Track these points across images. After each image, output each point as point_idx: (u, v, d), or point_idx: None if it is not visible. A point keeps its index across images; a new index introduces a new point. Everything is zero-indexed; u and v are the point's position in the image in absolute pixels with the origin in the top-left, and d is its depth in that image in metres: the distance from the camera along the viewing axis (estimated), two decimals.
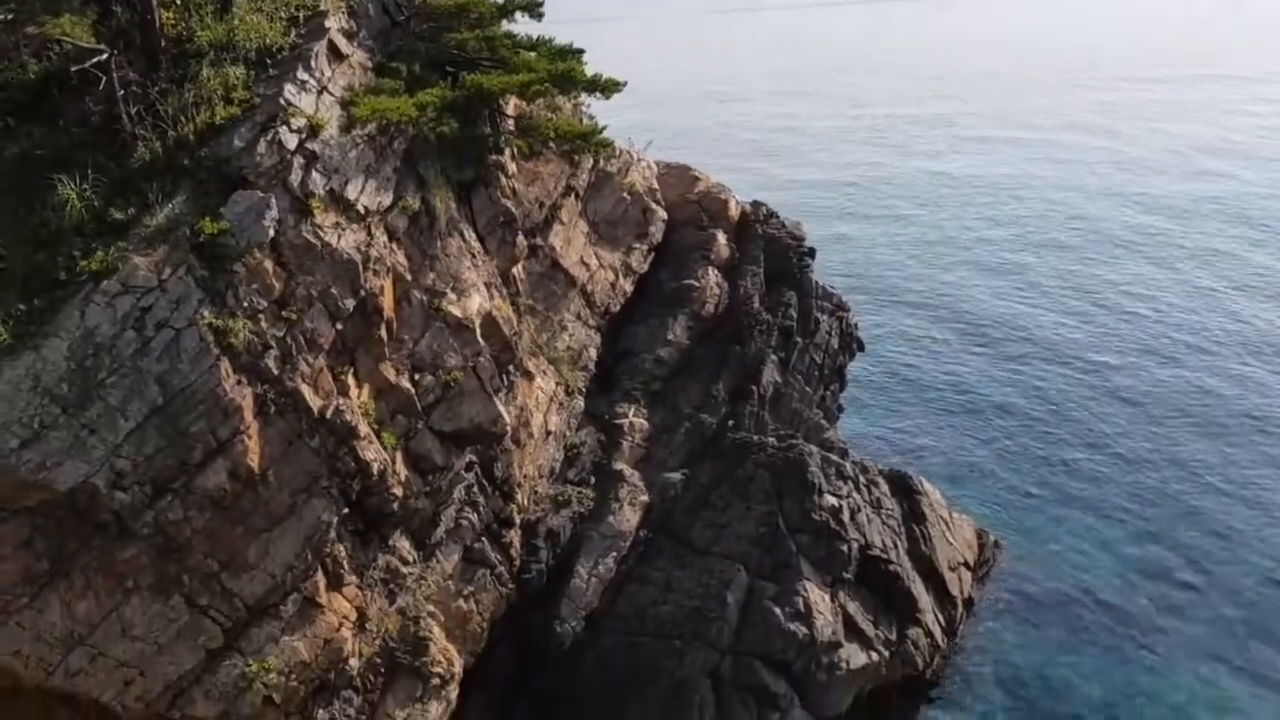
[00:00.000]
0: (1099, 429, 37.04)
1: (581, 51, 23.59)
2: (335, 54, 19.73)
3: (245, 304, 16.79)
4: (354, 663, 18.18)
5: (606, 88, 23.04)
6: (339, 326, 17.98)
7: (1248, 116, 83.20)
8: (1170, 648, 26.56)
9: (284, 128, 17.75)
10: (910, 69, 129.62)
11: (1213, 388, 39.41)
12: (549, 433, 24.16)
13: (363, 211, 18.64)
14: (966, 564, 28.58)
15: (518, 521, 22.62)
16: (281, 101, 17.95)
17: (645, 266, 28.34)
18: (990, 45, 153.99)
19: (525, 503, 23.11)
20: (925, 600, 26.40)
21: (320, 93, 18.78)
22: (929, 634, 25.99)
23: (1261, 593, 28.27)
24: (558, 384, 24.68)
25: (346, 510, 18.12)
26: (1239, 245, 54.79)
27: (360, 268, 18.04)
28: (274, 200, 17.21)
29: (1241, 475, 34.02)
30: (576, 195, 26.22)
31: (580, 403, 25.57)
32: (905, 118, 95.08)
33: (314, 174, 17.94)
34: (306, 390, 17.30)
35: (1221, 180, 65.60)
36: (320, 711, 17.81)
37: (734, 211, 30.88)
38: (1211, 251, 54.03)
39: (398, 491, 18.80)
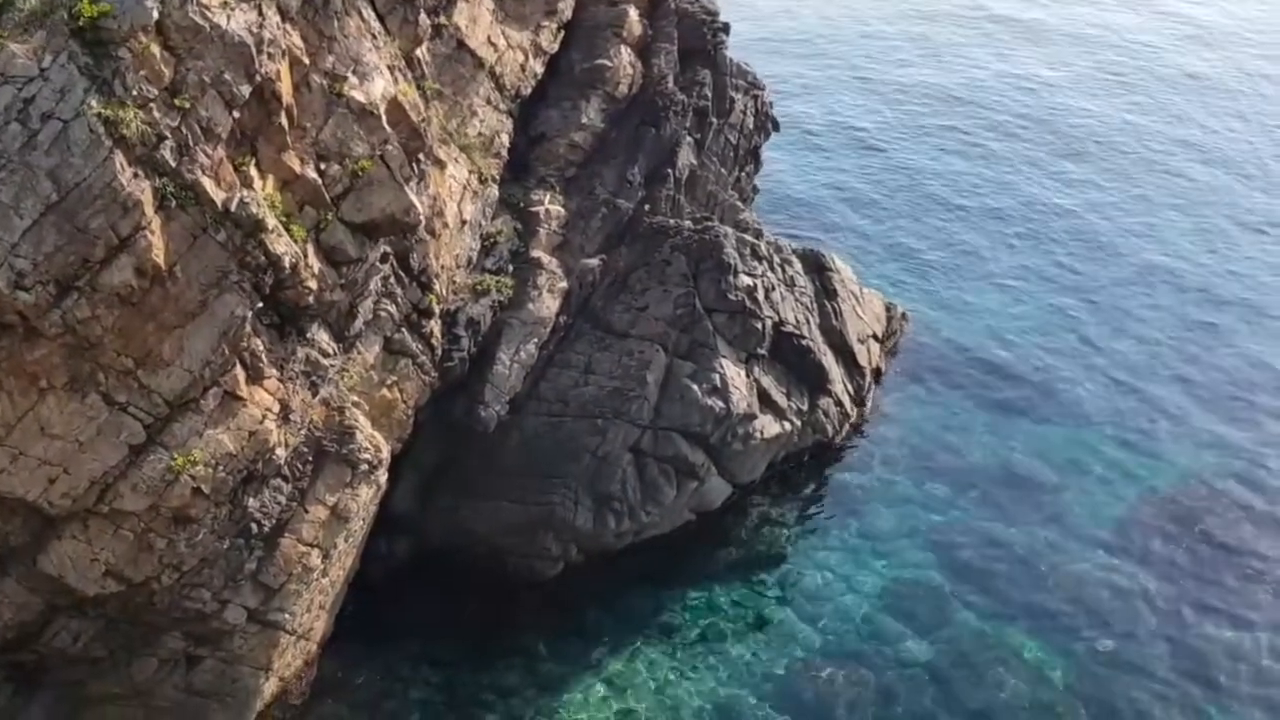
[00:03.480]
0: (1002, 206, 37.90)
1: None
2: None
3: (135, 92, 15.96)
4: (281, 452, 18.46)
5: None
6: (236, 115, 17.24)
7: None
8: (1060, 411, 28.27)
9: None
10: None
11: (1121, 154, 40.27)
12: (464, 222, 23.91)
13: None
14: (875, 336, 29.64)
15: (437, 311, 22.67)
16: None
17: (555, 46, 27.43)
18: None
19: (444, 292, 23.11)
20: (836, 372, 27.47)
21: None
22: (839, 403, 27.20)
23: (1142, 359, 29.97)
24: (470, 172, 24.24)
25: (261, 305, 17.96)
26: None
27: (253, 50, 17.15)
28: None
29: (1135, 245, 35.37)
30: None
31: (495, 191, 25.22)
32: None
33: None
34: (207, 182, 16.77)
35: None
36: (250, 500, 18.20)
37: None
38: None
39: (312, 284, 18.62)
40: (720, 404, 24.55)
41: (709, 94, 30.13)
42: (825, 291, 28.72)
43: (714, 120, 30.47)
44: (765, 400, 25.71)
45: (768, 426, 25.45)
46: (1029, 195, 38.54)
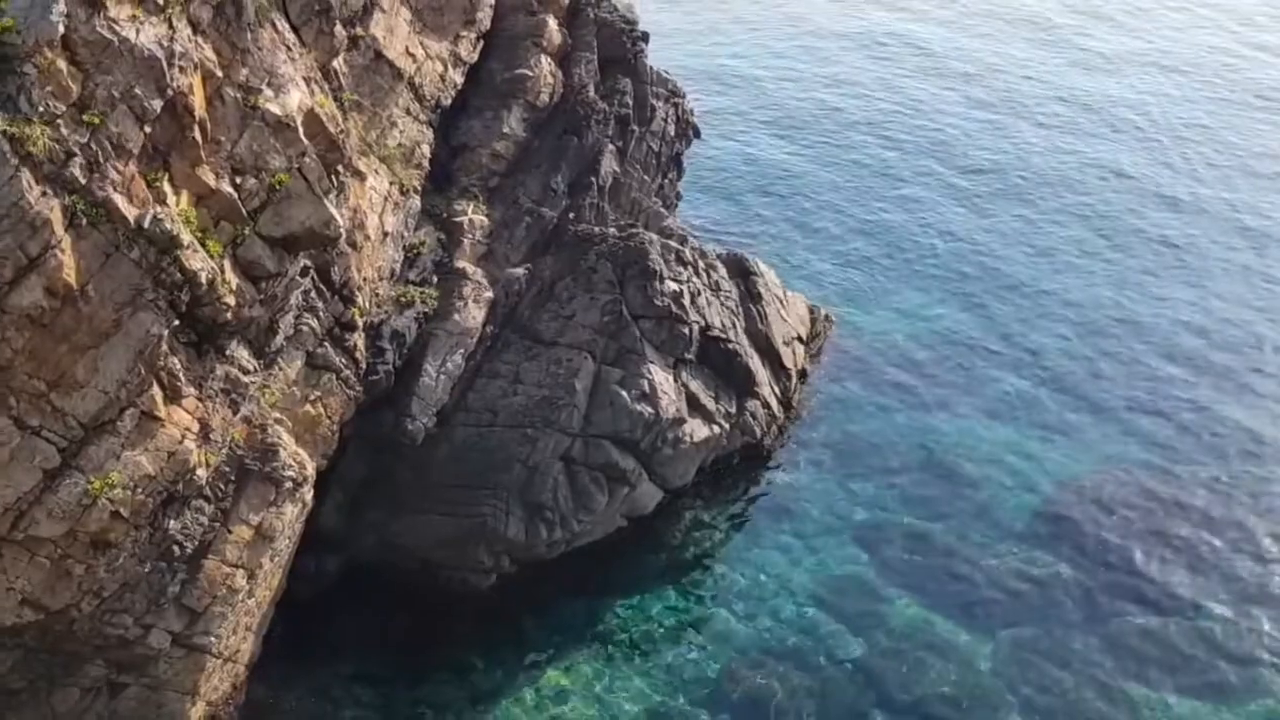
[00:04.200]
0: (920, 207, 38.66)
1: None
2: None
3: (41, 109, 15.59)
4: (202, 472, 18.13)
5: None
6: (147, 129, 16.91)
7: None
8: (981, 404, 28.95)
9: None
10: None
11: (1029, 159, 41.35)
12: (386, 233, 23.72)
13: (161, 2, 17.26)
14: (800, 338, 30.04)
15: (360, 324, 22.46)
16: None
17: (475, 56, 27.36)
18: None
19: (367, 305, 22.90)
20: (762, 374, 27.78)
21: None
22: (766, 405, 27.50)
23: (1057, 354, 30.79)
24: (391, 183, 24.07)
25: (177, 322, 17.62)
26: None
27: (164, 64, 16.85)
28: None
29: (1047, 240, 36.34)
30: None
31: (417, 202, 25.06)
32: None
33: None
34: (119, 199, 16.42)
35: None
36: (171, 522, 17.83)
37: None
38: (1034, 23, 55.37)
39: (229, 300, 18.32)
40: (649, 409, 24.67)
41: (630, 102, 30.30)
42: (750, 295, 29.02)
43: (636, 128, 30.65)
44: (694, 404, 25.90)
45: (697, 430, 25.63)
46: (946, 201, 39.33)
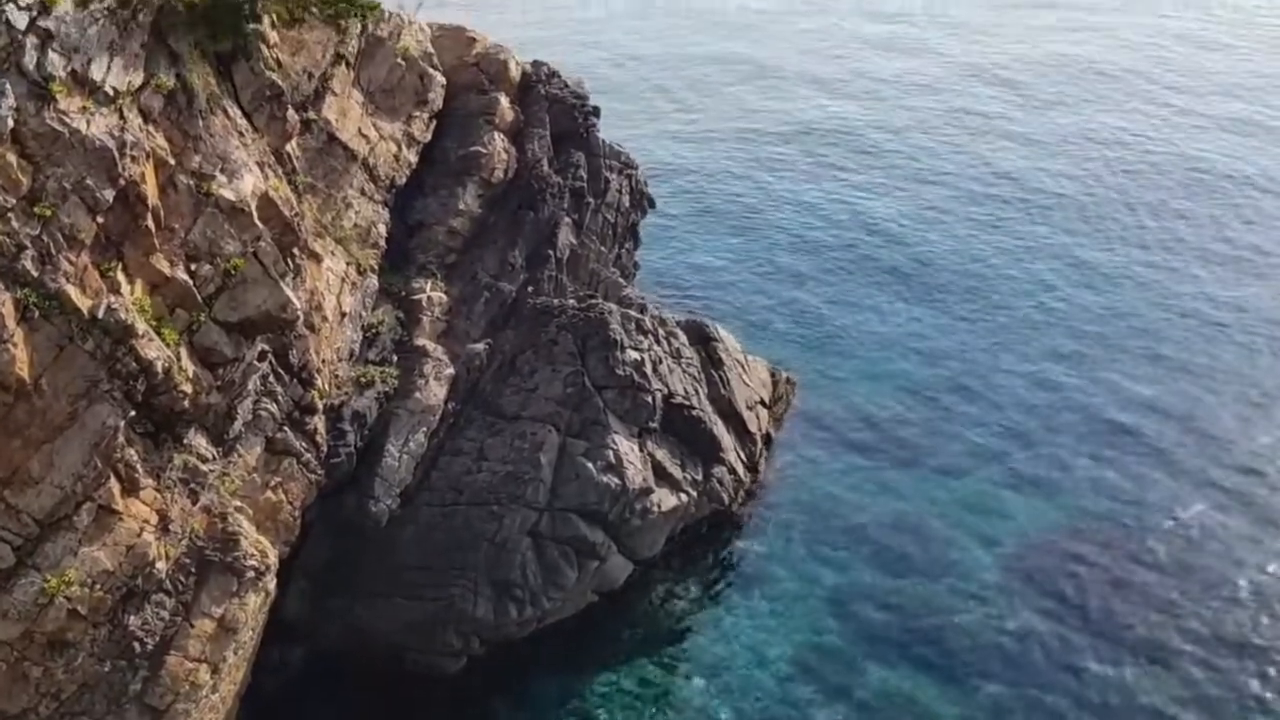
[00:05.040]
0: (875, 269, 39.18)
1: None
2: None
3: None
4: (161, 565, 17.70)
5: None
6: (100, 219, 16.78)
7: None
8: (946, 461, 29.08)
9: (11, 5, 16.04)
10: None
11: (982, 232, 42.06)
12: (344, 314, 23.60)
13: (111, 93, 17.24)
14: (763, 402, 30.10)
15: (320, 407, 22.21)
16: None
17: (428, 135, 27.54)
18: None
19: (326, 387, 22.68)
20: (727, 440, 27.75)
21: None
22: (733, 471, 27.44)
23: (1019, 408, 31.10)
24: (348, 264, 24.01)
25: (134, 413, 17.32)
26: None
27: (116, 154, 16.78)
28: (8, 86, 15.68)
29: (1003, 298, 36.90)
30: (347, 64, 25.02)
31: (374, 281, 25.00)
32: None
33: (51, 54, 16.38)
34: (72, 290, 16.22)
35: None
36: (131, 618, 17.34)
37: (515, 73, 30.21)
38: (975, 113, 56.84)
39: (186, 389, 18.06)
40: (616, 480, 24.51)
41: (584, 175, 30.60)
42: (711, 361, 29.12)
43: (591, 200, 30.91)
44: (660, 473, 25.78)
45: (665, 500, 25.48)
46: (900, 256, 39.89)
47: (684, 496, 26.00)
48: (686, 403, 27.02)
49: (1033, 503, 27.55)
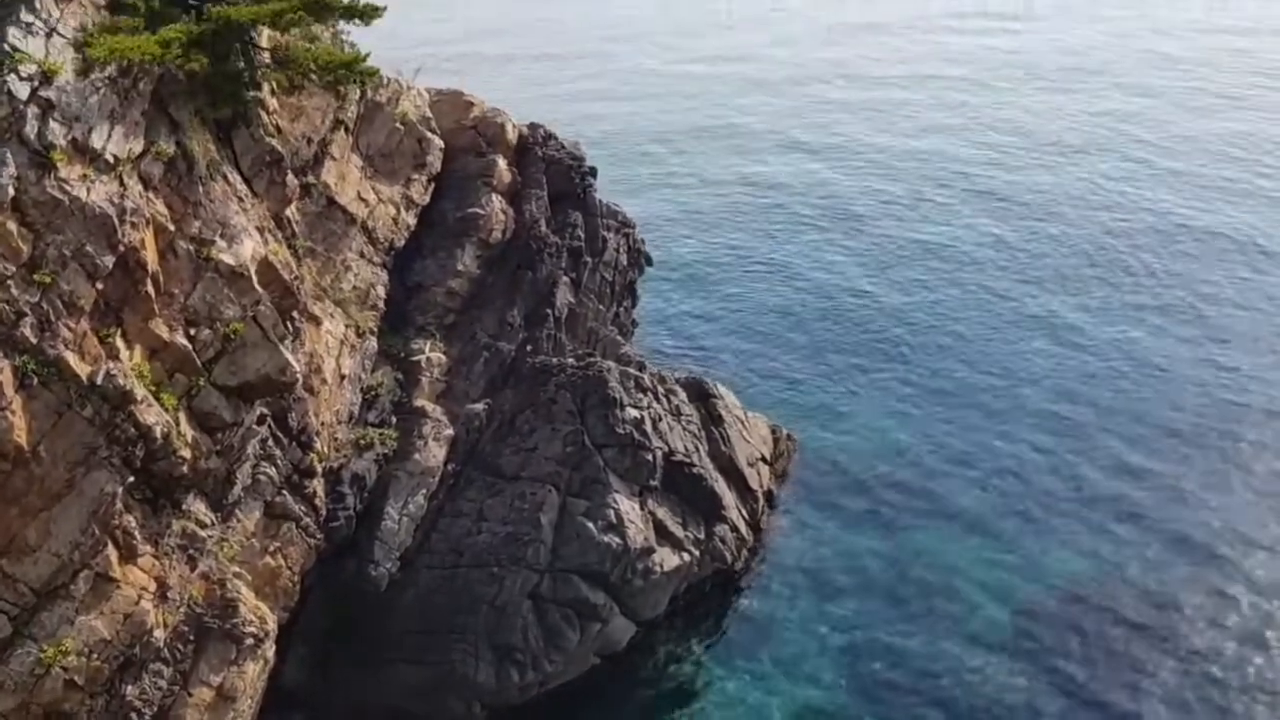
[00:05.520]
0: (871, 324, 39.23)
1: None
2: None
3: None
4: (159, 634, 17.50)
5: (365, 14, 22.13)
6: (99, 286, 16.87)
7: None
8: (948, 516, 28.86)
9: (12, 76, 16.29)
10: None
11: (975, 294, 42.11)
12: (343, 376, 23.60)
13: (111, 160, 17.42)
14: (764, 459, 29.96)
15: (319, 470, 22.12)
16: (6, 47, 16.43)
17: (426, 198, 27.76)
18: None
19: (325, 450, 22.60)
20: (729, 498, 27.58)
21: (49, 35, 17.26)
22: (735, 529, 27.23)
23: (1022, 463, 30.94)
24: (347, 326, 24.06)
25: (132, 479, 17.24)
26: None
27: (115, 221, 16.90)
28: (9, 155, 15.85)
29: (1002, 360, 36.88)
30: (346, 129, 25.30)
31: (373, 343, 25.04)
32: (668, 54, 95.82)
33: (52, 123, 16.59)
34: (71, 357, 16.24)
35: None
36: (129, 687, 17.12)
37: (512, 135, 30.52)
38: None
39: (185, 454, 18.00)
40: (617, 540, 24.32)
41: (582, 234, 30.79)
42: (711, 418, 29.04)
43: (588, 259, 31.07)
44: (662, 532, 25.58)
45: (667, 559, 25.25)
46: (895, 314, 39.98)
47: (686, 555, 25.77)
48: (687, 460, 26.90)
49: (1038, 558, 27.26)
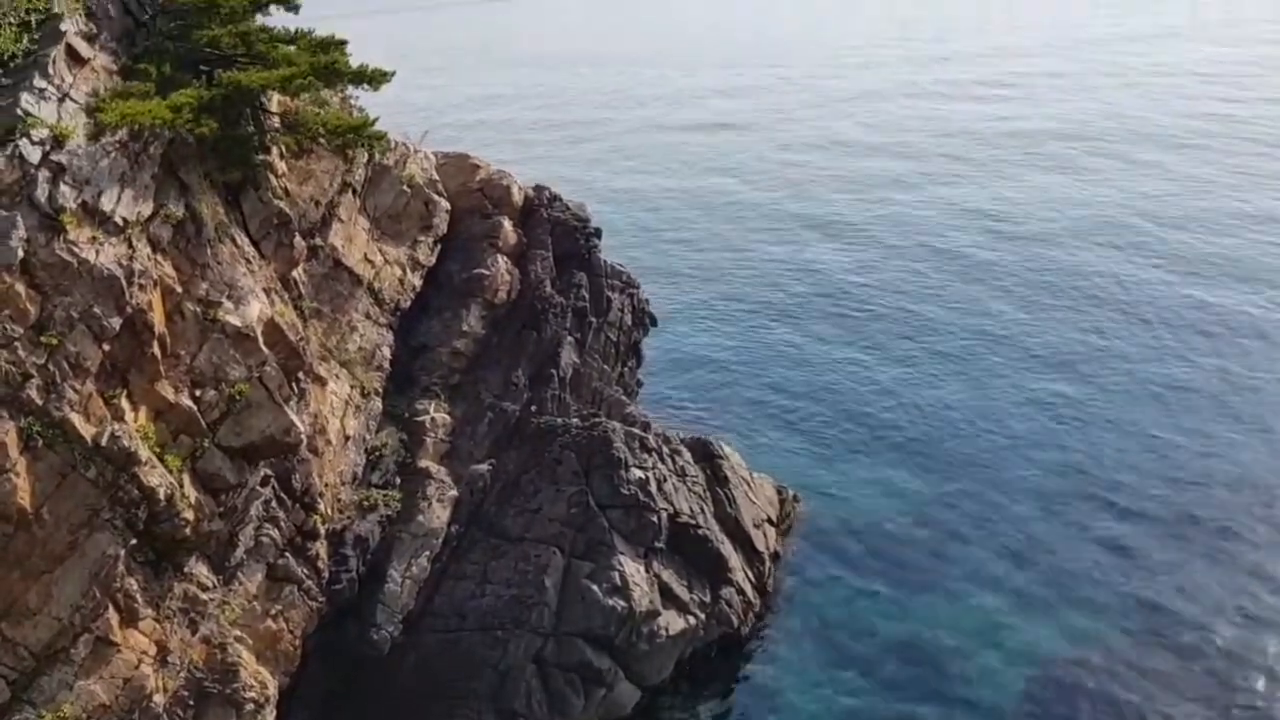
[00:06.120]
0: (877, 385, 39.15)
1: (344, 43, 22.94)
2: (75, 58, 18.46)
3: None
4: (159, 699, 17.28)
5: (374, 79, 22.51)
6: (106, 347, 16.93)
7: None
8: (957, 578, 28.51)
9: (24, 140, 16.52)
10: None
11: (981, 340, 42.23)
12: (348, 437, 23.55)
13: (121, 223, 17.59)
14: (770, 520, 29.74)
15: (322, 532, 21.98)
16: (19, 112, 16.69)
17: (432, 259, 27.94)
18: None
19: (329, 512, 22.48)
20: (735, 560, 27.31)
21: (62, 100, 17.55)
22: (741, 592, 26.92)
23: (1034, 523, 30.66)
24: (352, 387, 24.07)
25: (135, 541, 17.15)
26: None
27: (124, 283, 17.02)
28: (19, 219, 16.00)
29: (1009, 405, 36.77)
30: (354, 191, 25.55)
31: (378, 404, 25.03)
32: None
33: (63, 187, 16.78)
34: (76, 418, 16.24)
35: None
36: None
37: (517, 197, 30.80)
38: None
39: (189, 516, 17.92)
40: (622, 603, 24.06)
41: (586, 295, 30.91)
42: (716, 479, 28.87)
43: (593, 319, 31.15)
44: (667, 595, 25.30)
45: (672, 622, 24.95)
46: (901, 372, 39.96)
47: (692, 619, 25.47)
48: (692, 522, 26.70)
49: (1047, 622, 26.88)
